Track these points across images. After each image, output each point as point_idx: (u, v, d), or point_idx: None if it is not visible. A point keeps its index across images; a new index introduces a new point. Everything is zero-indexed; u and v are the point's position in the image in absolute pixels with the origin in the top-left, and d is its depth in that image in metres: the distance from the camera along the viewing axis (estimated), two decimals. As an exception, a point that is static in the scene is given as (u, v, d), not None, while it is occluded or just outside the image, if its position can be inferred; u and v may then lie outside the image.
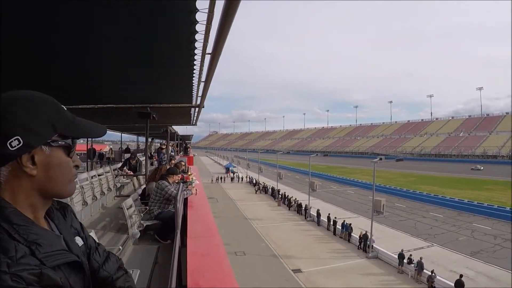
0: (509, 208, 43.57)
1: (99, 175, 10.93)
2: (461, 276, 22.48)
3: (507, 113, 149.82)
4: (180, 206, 5.66)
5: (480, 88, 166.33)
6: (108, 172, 12.36)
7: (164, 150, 21.79)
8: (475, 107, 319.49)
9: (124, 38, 4.46)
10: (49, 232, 1.24)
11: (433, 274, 23.20)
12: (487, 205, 46.60)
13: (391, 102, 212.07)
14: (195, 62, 5.53)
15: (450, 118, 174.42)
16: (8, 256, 0.99)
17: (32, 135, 1.16)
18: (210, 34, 4.19)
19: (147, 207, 8.04)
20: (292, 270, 25.76)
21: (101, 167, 16.49)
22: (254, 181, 73.47)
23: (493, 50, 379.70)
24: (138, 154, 17.54)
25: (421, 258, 25.02)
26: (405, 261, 25.96)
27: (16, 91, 1.19)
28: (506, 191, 56.91)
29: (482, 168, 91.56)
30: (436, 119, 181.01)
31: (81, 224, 1.50)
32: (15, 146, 1.11)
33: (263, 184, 68.07)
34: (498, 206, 45.20)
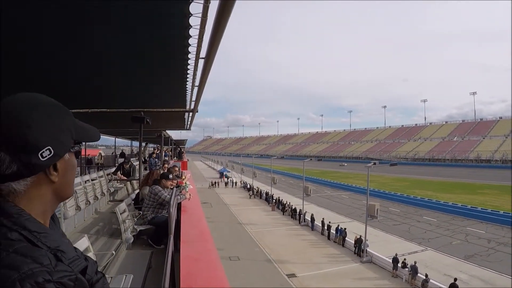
0: (502, 212, 43.88)
1: (92, 180, 10.90)
2: (455, 279, 22.56)
3: (500, 117, 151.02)
4: (173, 210, 5.64)
5: (474, 93, 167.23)
6: (101, 176, 12.33)
7: (155, 155, 21.67)
8: (469, 112, 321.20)
9: (118, 42, 4.46)
10: (64, 239, 1.25)
11: (427, 278, 23.27)
12: (481, 209, 46.81)
13: (385, 107, 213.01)
14: (188, 67, 5.55)
15: (444, 123, 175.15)
16: (45, 265, 0.99)
17: (59, 144, 1.16)
18: (204, 38, 4.20)
19: (141, 212, 8.01)
20: (287, 275, 25.71)
21: (88, 173, 16.38)
22: (248, 186, 73.46)
23: (487, 55, 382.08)
24: (132, 159, 17.53)
25: (415, 262, 25.11)
26: (399, 265, 26.01)
27: (27, 95, 1.17)
28: (499, 195, 57.71)
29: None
30: (430, 123, 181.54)
31: None
32: (46, 156, 1.11)
33: (257, 189, 68.02)
34: (492, 210, 45.39)
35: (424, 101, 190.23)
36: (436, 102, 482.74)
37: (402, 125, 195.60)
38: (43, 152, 1.09)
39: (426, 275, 23.60)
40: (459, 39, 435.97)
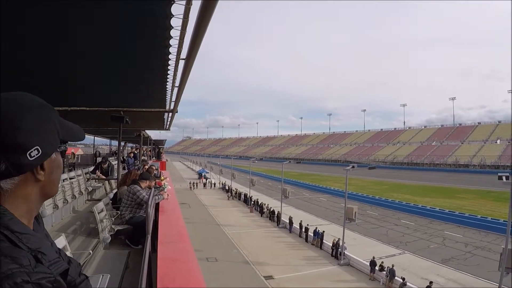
0: (480, 216, 44.78)
1: (70, 179, 10.78)
2: (430, 282, 22.93)
3: (479, 123, 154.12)
4: (151, 211, 5.63)
5: (453, 98, 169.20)
6: (80, 175, 12.22)
7: (132, 155, 21.44)
8: (448, 117, 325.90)
9: (99, 42, 4.45)
10: (45, 240, 1.26)
11: (404, 281, 23.52)
12: (459, 213, 47.56)
13: (364, 110, 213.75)
14: (169, 68, 5.55)
15: (423, 127, 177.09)
16: (24, 266, 1.00)
17: (47, 144, 1.17)
18: (185, 39, 4.22)
19: (118, 212, 7.97)
20: (264, 277, 25.75)
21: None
22: (227, 187, 73.41)
23: (467, 61, 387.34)
24: (110, 158, 17.37)
25: (392, 266, 25.42)
26: (376, 268, 26.30)
27: (14, 95, 1.18)
28: (477, 199, 59.06)
29: None
30: (409, 128, 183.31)
31: None
32: (34, 156, 1.12)
33: (235, 190, 68.07)
34: (469, 215, 46.17)
35: (404, 105, 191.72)
36: (416, 106, 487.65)
37: (381, 129, 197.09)
38: (32, 151, 1.11)
39: (403, 278, 23.90)
40: (442, 44, 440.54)
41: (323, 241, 33.54)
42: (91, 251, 5.76)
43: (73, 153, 28.70)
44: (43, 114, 1.21)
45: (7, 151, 1.08)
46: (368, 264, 27.01)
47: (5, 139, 1.08)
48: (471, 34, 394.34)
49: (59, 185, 7.71)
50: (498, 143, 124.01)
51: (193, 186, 76.66)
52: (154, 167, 12.78)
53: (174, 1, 3.25)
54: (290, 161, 73.59)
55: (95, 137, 27.90)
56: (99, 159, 18.64)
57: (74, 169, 14.45)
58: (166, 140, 54.30)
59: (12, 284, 0.94)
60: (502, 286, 18.50)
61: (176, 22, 3.71)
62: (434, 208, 50.71)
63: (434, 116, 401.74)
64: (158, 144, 45.92)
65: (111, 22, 3.82)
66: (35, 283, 0.98)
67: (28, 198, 1.18)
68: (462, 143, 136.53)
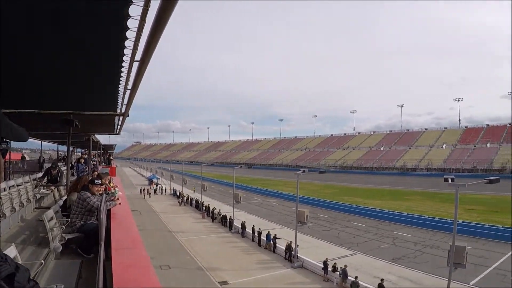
0: (428, 216, 46.73)
1: (18, 185, 10.40)
2: (382, 280, 23.54)
3: (426, 129, 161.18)
4: (104, 217, 5.50)
5: (401, 105, 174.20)
6: (27, 182, 11.81)
7: (83, 160, 20.91)
8: (397, 123, 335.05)
9: (49, 40, 4.30)
10: None
11: (357, 280, 23.95)
12: (407, 214, 49.27)
13: (315, 116, 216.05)
14: (122, 69, 5.42)
15: (372, 133, 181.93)
16: None
17: None
18: (140, 41, 4.15)
19: (69, 219, 7.73)
20: (219, 282, 25.59)
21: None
22: (178, 193, 72.85)
23: (416, 70, 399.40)
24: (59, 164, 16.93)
25: (345, 266, 25.85)
26: (329, 269, 26.64)
27: None
28: (424, 201, 62.04)
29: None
30: (359, 133, 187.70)
31: None
32: None
33: (187, 196, 67.67)
34: (417, 215, 48.00)
35: (354, 111, 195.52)
36: (366, 113, 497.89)
37: (332, 134, 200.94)
38: None
39: (356, 277, 24.34)
40: (390, 54, 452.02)
41: (276, 244, 33.74)
42: (42, 261, 5.51)
43: (24, 156, 27.78)
44: None
45: None
46: (321, 265, 27.36)
47: None
48: (420, 44, 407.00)
49: (6, 192, 7.48)
50: (444, 148, 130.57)
51: (145, 192, 75.23)
52: (108, 176, 12.47)
53: (132, 2, 3.19)
54: (241, 166, 73.72)
55: (42, 142, 26.97)
56: (47, 165, 18.12)
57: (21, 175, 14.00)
58: (116, 145, 53.16)
59: None
60: (451, 280, 19.12)
61: (133, 24, 3.65)
62: (384, 210, 52.18)
63: (383, 122, 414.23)
64: (107, 149, 44.84)
65: (63, 21, 3.69)
66: None
67: None
68: (410, 148, 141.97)
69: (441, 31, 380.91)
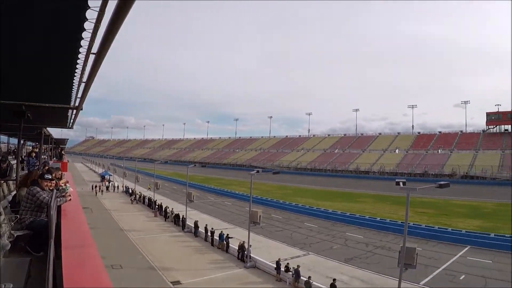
0: (379, 218, 48.07)
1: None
2: (334, 280, 23.84)
3: (379, 133, 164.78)
4: (54, 214, 5.27)
5: (357, 110, 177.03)
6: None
7: (34, 154, 20.21)
8: (351, 127, 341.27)
9: (4, 28, 4.08)
10: None
11: (309, 280, 24.14)
12: (359, 216, 50.26)
13: (271, 117, 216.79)
14: (78, 61, 5.24)
15: (327, 136, 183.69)
16: None
17: None
18: (98, 33, 4.03)
19: (18, 216, 7.40)
20: (171, 282, 25.26)
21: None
22: (130, 191, 71.92)
23: (372, 75, 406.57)
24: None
25: (298, 266, 26.01)
26: (282, 269, 26.78)
27: None
28: (375, 203, 63.69)
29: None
30: (313, 135, 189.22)
31: None
32: None
33: (139, 194, 66.88)
34: (369, 217, 49.01)
35: (309, 114, 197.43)
36: (321, 115, 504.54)
37: (287, 136, 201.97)
38: None
39: (309, 277, 24.53)
40: (348, 59, 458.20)
41: (229, 244, 33.66)
42: (-11, 259, 5.27)
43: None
44: None
45: None
46: (274, 265, 27.50)
47: None
48: (377, 51, 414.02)
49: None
50: (397, 152, 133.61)
51: (96, 189, 73.48)
52: (59, 171, 12.09)
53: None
54: (195, 165, 73.42)
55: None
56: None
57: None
58: (68, 139, 51.77)
59: None
60: (401, 280, 19.53)
61: (91, 15, 3.51)
62: (336, 212, 53.08)
63: (338, 126, 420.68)
64: (59, 144, 43.38)
65: (18, 6, 3.50)
66: None
67: None
68: (363, 152, 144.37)
69: (399, 39, 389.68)
